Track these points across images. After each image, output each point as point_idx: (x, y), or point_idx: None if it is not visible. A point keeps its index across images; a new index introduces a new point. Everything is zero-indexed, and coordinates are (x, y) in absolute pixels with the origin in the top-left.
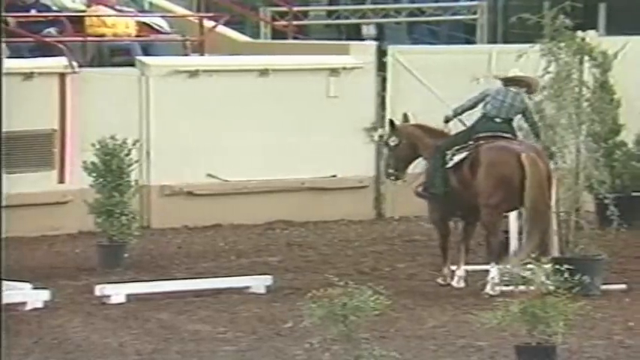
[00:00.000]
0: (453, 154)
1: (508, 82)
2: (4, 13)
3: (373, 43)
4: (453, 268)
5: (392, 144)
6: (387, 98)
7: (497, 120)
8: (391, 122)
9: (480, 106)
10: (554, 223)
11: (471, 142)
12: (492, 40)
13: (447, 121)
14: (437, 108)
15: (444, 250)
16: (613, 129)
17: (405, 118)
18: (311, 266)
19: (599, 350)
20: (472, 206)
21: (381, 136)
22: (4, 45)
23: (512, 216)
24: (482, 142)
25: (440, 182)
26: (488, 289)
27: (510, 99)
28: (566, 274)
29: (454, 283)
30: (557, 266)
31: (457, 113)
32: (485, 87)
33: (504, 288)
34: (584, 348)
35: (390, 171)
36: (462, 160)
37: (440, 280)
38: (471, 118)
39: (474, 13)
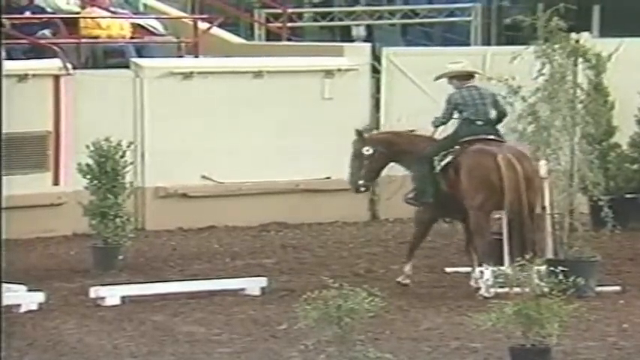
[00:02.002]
0: (440, 159)
1: (454, 78)
2: None
3: (367, 45)
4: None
5: (367, 153)
6: (381, 100)
7: (479, 122)
8: (359, 132)
9: (455, 114)
10: (549, 224)
11: (457, 147)
12: (486, 42)
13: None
14: (431, 110)
15: (412, 249)
16: (607, 131)
17: (359, 133)
18: (306, 268)
19: (594, 352)
20: (463, 208)
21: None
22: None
23: (506, 218)
24: (466, 145)
25: (430, 189)
26: (482, 291)
27: (480, 98)
28: (560, 276)
29: (483, 292)
30: (552, 268)
31: (436, 126)
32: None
33: (499, 290)
34: (578, 350)
35: (361, 182)
36: (447, 164)
37: (401, 280)
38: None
39: (468, 15)
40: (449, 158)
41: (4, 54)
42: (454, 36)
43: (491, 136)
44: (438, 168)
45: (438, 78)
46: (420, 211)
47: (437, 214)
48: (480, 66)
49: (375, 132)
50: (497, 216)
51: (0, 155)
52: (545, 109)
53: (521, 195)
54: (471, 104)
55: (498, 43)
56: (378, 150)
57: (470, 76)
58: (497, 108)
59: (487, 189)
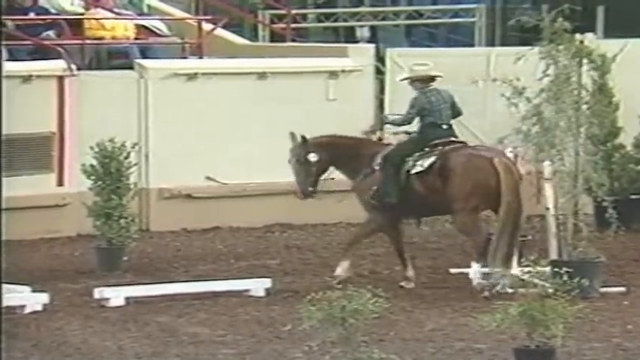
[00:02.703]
0: (416, 161)
1: (417, 81)
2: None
3: (371, 46)
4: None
5: (313, 160)
6: (385, 101)
7: (444, 127)
8: (304, 139)
9: (417, 119)
10: (553, 225)
11: (427, 149)
12: (491, 43)
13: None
14: None
15: (401, 253)
16: (611, 132)
17: (293, 137)
18: (310, 269)
19: (598, 353)
20: (434, 210)
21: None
22: (2, 48)
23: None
24: (443, 148)
25: (395, 190)
26: (485, 292)
27: (443, 102)
28: (565, 277)
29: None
30: (556, 269)
31: (397, 125)
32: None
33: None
34: (583, 351)
35: (311, 188)
36: (430, 166)
37: (404, 284)
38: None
39: (473, 15)
40: (431, 160)
41: (6, 55)
42: (458, 37)
43: (456, 139)
44: (415, 169)
45: (403, 79)
46: (376, 218)
47: (397, 216)
48: (484, 67)
49: (317, 136)
50: None
51: (0, 156)
52: (550, 110)
53: (518, 197)
54: (436, 109)
55: (503, 44)
56: (322, 156)
57: (432, 79)
58: (454, 110)
59: (484, 191)
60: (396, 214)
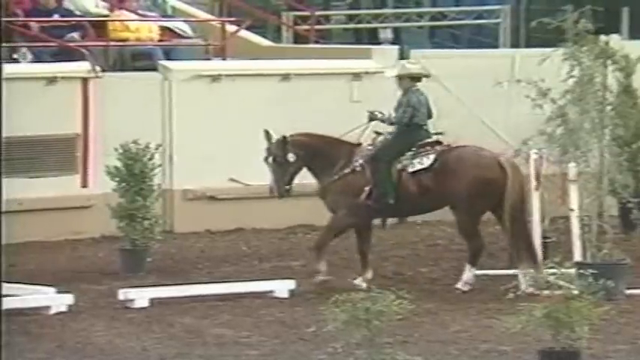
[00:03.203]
0: (412, 159)
1: (407, 79)
2: (27, 18)
3: (395, 48)
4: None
5: (292, 160)
6: None
7: (425, 127)
8: (284, 138)
9: (407, 117)
10: (577, 227)
11: (415, 149)
12: (515, 44)
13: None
14: (459, 112)
15: (366, 255)
16: (636, 133)
17: (268, 135)
18: (333, 270)
19: (624, 355)
20: (421, 210)
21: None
22: (26, 49)
23: (536, 220)
24: (434, 147)
25: (392, 190)
26: (460, 285)
27: (425, 103)
28: (590, 279)
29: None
30: (581, 271)
31: (391, 122)
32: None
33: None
34: (608, 353)
35: (287, 187)
36: (431, 165)
37: (359, 282)
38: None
39: (497, 17)
40: (431, 159)
41: (31, 56)
42: (482, 38)
43: (435, 140)
44: (413, 168)
45: (398, 76)
46: (349, 216)
47: (373, 216)
48: (508, 68)
49: (293, 134)
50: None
51: (0, 157)
52: (574, 111)
53: (524, 197)
54: (421, 109)
55: (527, 45)
56: (299, 155)
57: (419, 79)
58: (429, 111)
59: (491, 191)
60: (374, 215)
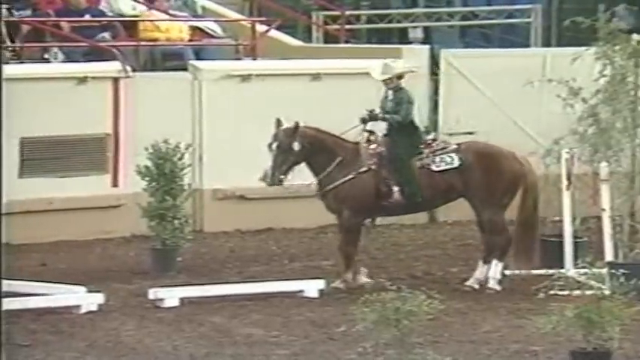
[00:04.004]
0: (434, 158)
1: (393, 77)
2: (58, 18)
3: (426, 47)
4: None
5: (296, 149)
6: (439, 102)
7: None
8: (296, 125)
9: (410, 114)
10: (609, 227)
11: (452, 146)
12: (546, 44)
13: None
14: (490, 112)
15: (351, 255)
16: None
17: (279, 122)
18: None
19: None
20: (434, 206)
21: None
22: (57, 49)
23: (567, 220)
24: (451, 145)
25: (417, 189)
26: (491, 283)
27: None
28: (621, 279)
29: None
30: (613, 270)
31: (395, 120)
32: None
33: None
34: (639, 353)
35: (282, 177)
36: (460, 163)
37: (337, 284)
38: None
39: (528, 16)
40: (456, 158)
41: (62, 56)
42: (513, 37)
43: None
44: (439, 167)
45: (400, 76)
46: (357, 211)
47: (371, 215)
48: (540, 67)
49: (302, 125)
50: (557, 218)
51: (0, 157)
52: (606, 110)
53: (538, 194)
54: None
55: (559, 45)
56: (305, 146)
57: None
58: None
59: (516, 189)
60: (383, 214)
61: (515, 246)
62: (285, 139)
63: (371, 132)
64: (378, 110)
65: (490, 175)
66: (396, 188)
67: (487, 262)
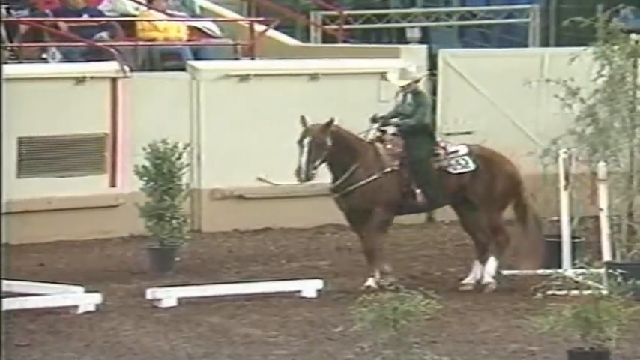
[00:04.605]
0: (450, 160)
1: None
2: (56, 18)
3: (424, 47)
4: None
5: (328, 144)
6: (437, 102)
7: None
8: (331, 121)
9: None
10: (607, 227)
11: (466, 149)
12: (545, 44)
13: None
14: (488, 112)
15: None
16: None
17: (304, 120)
18: (361, 270)
19: None
20: (440, 206)
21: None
22: (55, 49)
23: (565, 220)
24: (467, 149)
25: (440, 190)
26: (486, 278)
27: None
28: (619, 279)
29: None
30: (610, 270)
31: (410, 125)
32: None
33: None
34: (638, 353)
35: (314, 172)
36: (475, 166)
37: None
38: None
39: (527, 16)
40: (470, 162)
41: (60, 56)
42: (512, 37)
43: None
44: (456, 170)
45: (417, 80)
46: (384, 210)
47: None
48: (538, 67)
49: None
50: (555, 218)
51: (0, 157)
52: (604, 110)
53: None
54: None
55: (557, 45)
56: (335, 144)
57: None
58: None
59: (515, 192)
60: (402, 213)
61: (522, 246)
62: (321, 134)
63: (383, 131)
64: (390, 112)
65: (498, 179)
66: (418, 190)
67: (483, 260)
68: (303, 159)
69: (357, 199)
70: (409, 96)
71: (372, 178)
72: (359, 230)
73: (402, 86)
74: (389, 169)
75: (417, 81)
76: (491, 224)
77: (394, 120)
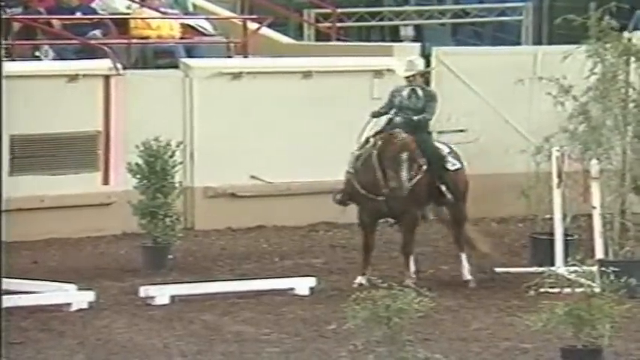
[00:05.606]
0: (449, 158)
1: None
2: (49, 16)
3: (417, 45)
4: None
5: (417, 158)
6: None
7: None
8: (429, 133)
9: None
10: (600, 225)
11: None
12: (537, 42)
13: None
14: (481, 110)
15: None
16: None
17: (397, 136)
18: (354, 268)
19: None
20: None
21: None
22: (48, 47)
23: (557, 218)
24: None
25: (455, 185)
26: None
27: None
28: (612, 276)
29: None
30: (603, 268)
31: (426, 120)
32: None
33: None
34: (630, 350)
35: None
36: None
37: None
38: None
39: (520, 14)
40: (460, 159)
41: (53, 54)
42: (505, 35)
43: None
44: (453, 166)
45: (413, 75)
46: (416, 211)
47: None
48: (531, 65)
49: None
50: (547, 216)
51: (0, 157)
52: (597, 108)
53: None
54: None
55: (550, 43)
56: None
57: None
58: None
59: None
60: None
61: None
62: (413, 146)
63: (395, 127)
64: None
65: (464, 176)
66: (444, 187)
67: (463, 251)
68: (404, 174)
69: (404, 200)
70: (419, 91)
71: (417, 178)
72: (393, 227)
73: (407, 77)
74: (424, 167)
75: (424, 74)
76: (464, 218)
77: (416, 118)
